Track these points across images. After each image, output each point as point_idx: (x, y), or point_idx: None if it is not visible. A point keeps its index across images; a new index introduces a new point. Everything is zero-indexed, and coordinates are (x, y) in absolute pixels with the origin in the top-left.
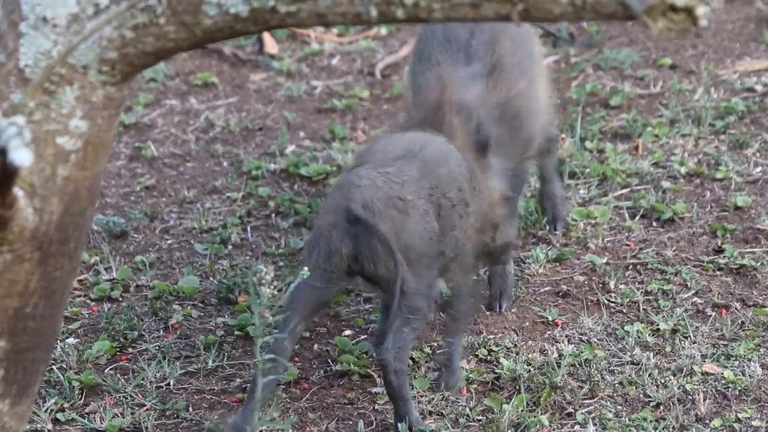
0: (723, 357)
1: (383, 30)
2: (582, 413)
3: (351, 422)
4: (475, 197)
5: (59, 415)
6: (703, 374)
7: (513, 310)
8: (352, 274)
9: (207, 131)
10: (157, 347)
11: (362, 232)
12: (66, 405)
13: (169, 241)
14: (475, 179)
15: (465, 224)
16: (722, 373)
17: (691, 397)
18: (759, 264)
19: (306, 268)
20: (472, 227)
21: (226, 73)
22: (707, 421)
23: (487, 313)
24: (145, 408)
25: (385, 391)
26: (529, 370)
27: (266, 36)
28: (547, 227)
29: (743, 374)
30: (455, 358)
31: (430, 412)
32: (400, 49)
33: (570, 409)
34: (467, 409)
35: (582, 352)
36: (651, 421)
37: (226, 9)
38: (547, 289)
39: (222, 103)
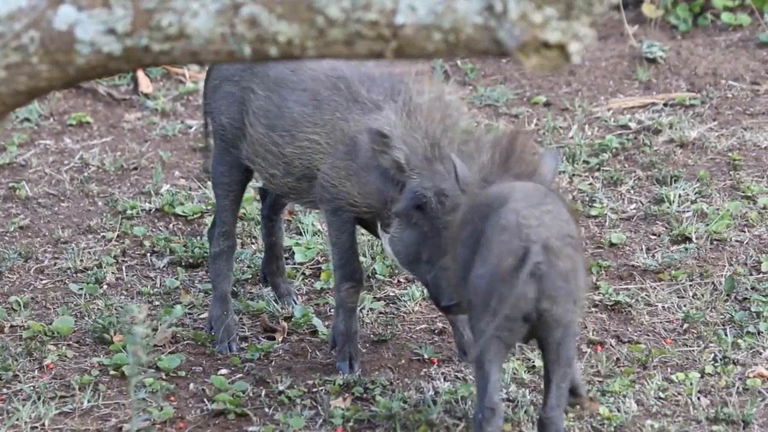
0: (598, 393)
1: None
2: None
3: None
4: None
5: None
6: (578, 411)
7: (389, 348)
8: (527, 320)
9: (82, 171)
10: (31, 387)
11: (548, 271)
12: None
13: (43, 281)
14: None
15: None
16: (598, 410)
17: None
18: (633, 300)
19: (179, 307)
20: None
21: (101, 113)
22: None
23: (363, 350)
24: None
25: (260, 430)
26: (405, 408)
27: (140, 75)
28: None
29: (618, 410)
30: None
31: None
32: None
33: None
34: None
35: (458, 390)
36: None
37: (99, 48)
38: (422, 326)
39: (97, 142)
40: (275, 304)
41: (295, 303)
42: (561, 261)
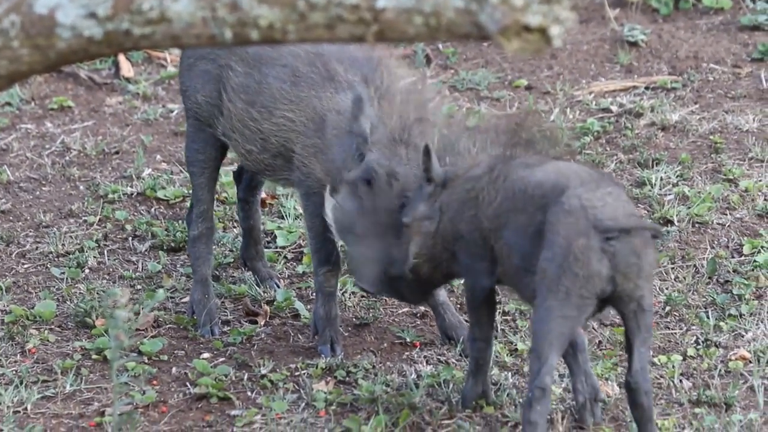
0: None
1: None
2: None
3: None
4: None
5: None
6: (560, 393)
7: (371, 332)
8: (602, 296)
9: (63, 155)
10: (14, 372)
11: (620, 247)
12: None
13: (25, 266)
14: None
15: None
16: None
17: (548, 417)
18: None
19: (161, 291)
20: None
21: (82, 97)
22: None
23: (345, 334)
24: None
25: (243, 413)
26: (388, 391)
27: (122, 59)
28: None
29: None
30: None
31: None
32: None
33: (429, 430)
34: (326, 430)
35: (440, 373)
36: None
37: (80, 32)
38: (404, 310)
39: (78, 126)
40: (257, 288)
41: (278, 286)
42: (633, 237)
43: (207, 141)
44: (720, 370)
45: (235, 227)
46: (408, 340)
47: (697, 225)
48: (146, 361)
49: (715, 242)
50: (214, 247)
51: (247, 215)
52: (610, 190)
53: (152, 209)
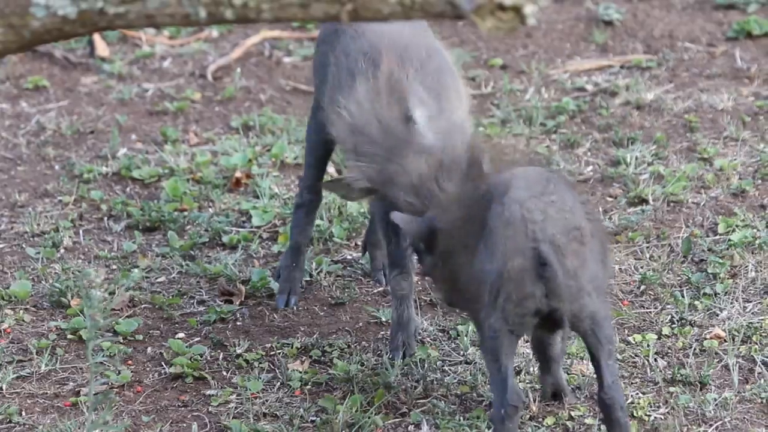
0: None
1: (214, 32)
2: (416, 413)
3: (185, 425)
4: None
5: None
6: (535, 373)
7: (347, 311)
8: (539, 314)
9: (38, 135)
10: None
11: (554, 273)
12: None
13: (0, 245)
14: None
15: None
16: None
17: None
18: None
19: (136, 271)
20: None
21: (57, 77)
22: (540, 419)
23: (321, 314)
24: None
25: (218, 393)
26: (363, 371)
27: (97, 38)
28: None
29: (575, 372)
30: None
31: (265, 414)
32: (231, 51)
33: (404, 409)
34: (301, 410)
35: (416, 352)
36: (484, 420)
37: (54, 11)
38: (380, 289)
39: (53, 106)
40: (233, 268)
41: (380, 283)
42: (567, 259)
43: (320, 123)
44: (695, 349)
45: (210, 207)
46: (383, 319)
47: (672, 204)
48: (121, 341)
49: (690, 221)
50: (189, 226)
51: None
52: (554, 198)
53: (127, 189)
